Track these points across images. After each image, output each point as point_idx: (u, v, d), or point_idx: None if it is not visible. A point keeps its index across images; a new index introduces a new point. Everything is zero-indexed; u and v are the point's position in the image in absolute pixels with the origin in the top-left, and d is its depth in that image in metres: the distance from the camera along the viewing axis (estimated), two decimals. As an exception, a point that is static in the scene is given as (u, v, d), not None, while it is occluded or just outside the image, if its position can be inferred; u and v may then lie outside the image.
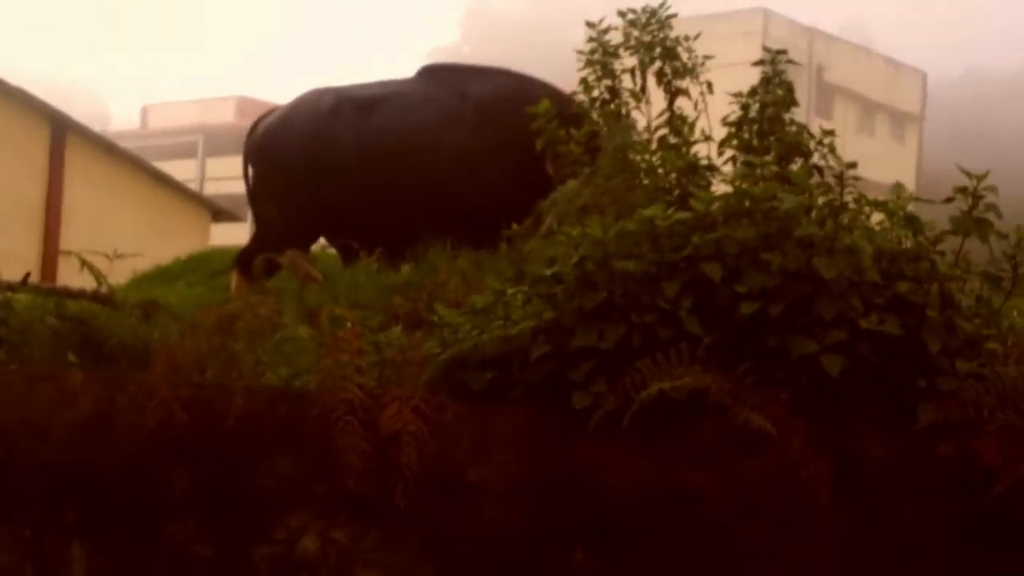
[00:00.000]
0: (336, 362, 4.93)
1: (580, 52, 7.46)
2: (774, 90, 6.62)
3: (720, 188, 5.95)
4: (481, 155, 8.24)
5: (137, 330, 5.97)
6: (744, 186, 4.91)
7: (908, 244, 4.73)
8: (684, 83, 7.19)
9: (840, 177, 4.89)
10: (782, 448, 4.24)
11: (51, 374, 5.59)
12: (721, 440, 4.41)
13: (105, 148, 23.02)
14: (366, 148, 8.40)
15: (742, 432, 4.27)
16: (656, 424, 4.41)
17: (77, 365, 5.72)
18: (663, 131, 6.97)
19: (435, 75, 8.79)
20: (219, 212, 25.02)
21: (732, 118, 6.61)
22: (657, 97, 7.25)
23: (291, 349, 5.44)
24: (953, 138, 49.39)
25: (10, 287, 6.51)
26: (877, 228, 4.87)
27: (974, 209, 4.58)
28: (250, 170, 9.11)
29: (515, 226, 6.67)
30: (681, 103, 7.18)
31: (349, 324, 5.27)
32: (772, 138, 6.44)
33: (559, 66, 9.32)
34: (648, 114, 7.19)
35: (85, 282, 6.50)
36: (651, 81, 7.32)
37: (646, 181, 6.38)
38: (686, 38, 7.25)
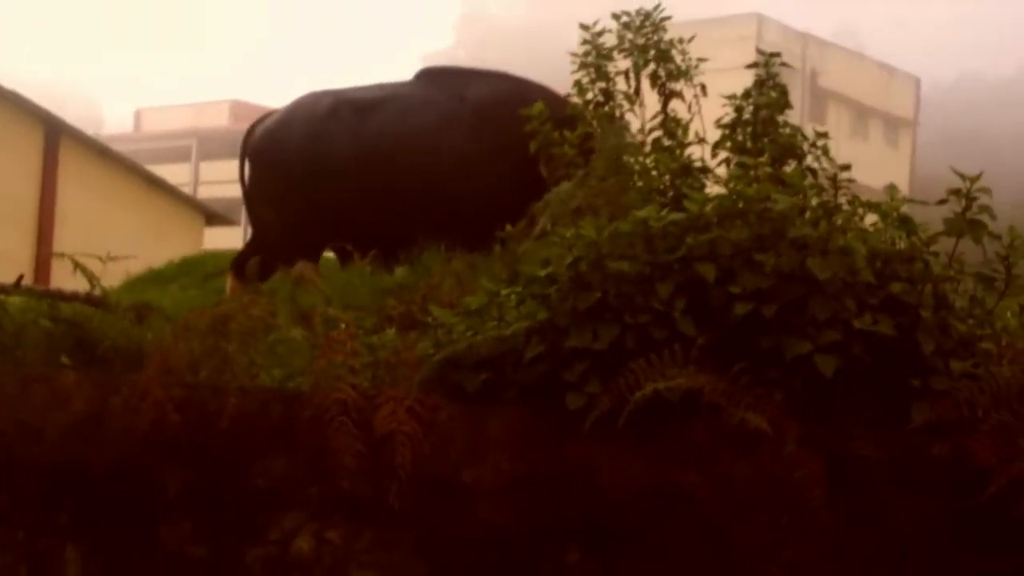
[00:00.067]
0: (330, 363, 4.93)
1: (574, 55, 7.47)
2: (768, 92, 6.64)
3: (714, 190, 5.96)
4: (479, 158, 8.23)
5: (130, 333, 5.95)
6: (738, 187, 4.92)
7: (902, 245, 4.74)
8: (678, 86, 7.21)
9: (834, 179, 4.90)
10: (776, 448, 4.25)
11: (44, 376, 5.57)
12: (715, 441, 4.41)
13: (99, 151, 23.01)
14: (364, 151, 8.38)
15: (736, 432, 4.28)
16: (650, 425, 4.41)
17: (70, 367, 5.71)
18: (657, 133, 6.98)
19: (433, 78, 8.79)
20: (213, 216, 25.01)
21: (726, 120, 6.62)
22: (651, 100, 7.26)
23: (285, 350, 5.43)
24: (946, 143, 49.39)
25: (3, 290, 6.48)
26: (871, 230, 4.88)
27: (967, 210, 4.59)
28: (247, 173, 9.09)
29: (509, 228, 6.67)
30: (675, 105, 7.19)
31: (343, 325, 5.27)
32: (766, 140, 6.46)
33: (554, 71, 9.31)
34: (642, 116, 7.20)
35: (78, 285, 6.48)
36: (645, 84, 7.33)
37: (640, 183, 6.40)
38: (680, 41, 7.26)
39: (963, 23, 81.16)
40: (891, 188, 4.92)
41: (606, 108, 7.29)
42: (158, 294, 8.87)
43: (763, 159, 6.14)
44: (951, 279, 4.68)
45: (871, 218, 4.91)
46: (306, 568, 4.86)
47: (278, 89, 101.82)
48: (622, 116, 7.27)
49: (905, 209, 4.82)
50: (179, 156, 55.81)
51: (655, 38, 7.26)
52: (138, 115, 64.82)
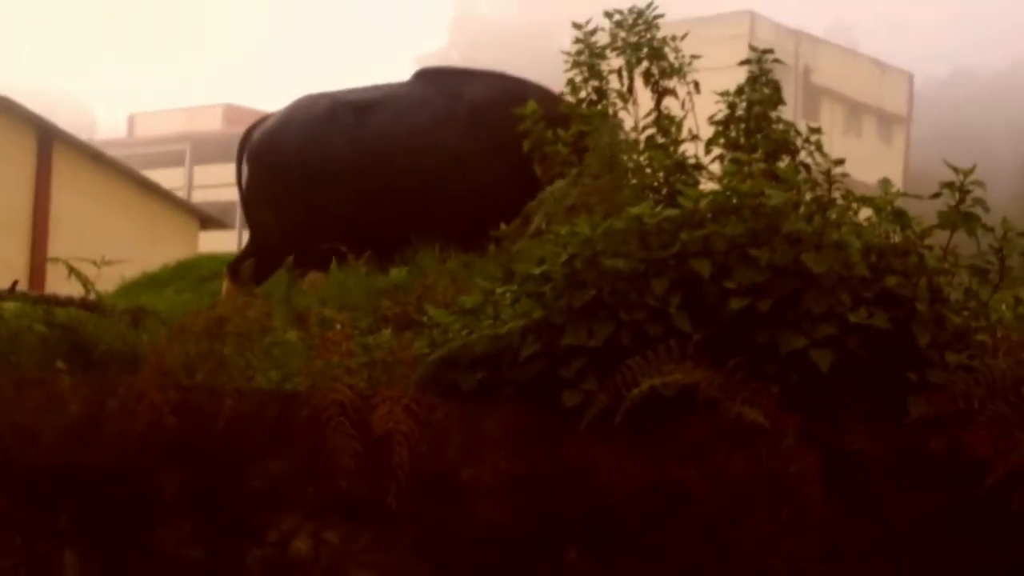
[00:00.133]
0: (326, 364, 4.92)
1: (567, 53, 7.47)
2: (760, 89, 6.64)
3: (708, 186, 5.96)
4: (476, 158, 8.23)
5: (126, 337, 5.95)
6: (732, 183, 4.92)
7: (896, 239, 4.75)
8: (671, 83, 7.21)
9: (828, 173, 4.90)
10: (773, 443, 4.25)
11: (40, 379, 5.58)
12: (712, 436, 4.41)
13: (92, 157, 23.00)
14: (363, 152, 8.38)
15: (732, 428, 4.28)
16: (647, 421, 4.41)
17: (66, 372, 5.71)
18: (651, 131, 6.98)
19: (431, 78, 8.79)
20: (207, 219, 25.00)
21: (719, 117, 6.63)
22: (644, 98, 7.26)
23: (281, 352, 5.42)
24: (940, 139, 49.50)
25: (-2, 295, 6.49)
26: (865, 224, 4.88)
27: (961, 203, 4.60)
28: (244, 176, 9.07)
29: (504, 226, 6.67)
30: (668, 103, 7.19)
31: (338, 326, 5.27)
32: (759, 136, 6.46)
33: (547, 71, 9.32)
34: (635, 114, 7.20)
35: (73, 290, 6.48)
36: (638, 82, 7.33)
37: (634, 180, 6.40)
38: (673, 38, 7.27)
39: (956, 19, 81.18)
40: (885, 182, 4.92)
41: (599, 106, 7.29)
42: (153, 298, 8.86)
43: (757, 155, 6.15)
44: (946, 272, 4.68)
45: (865, 214, 4.91)
46: (304, 569, 4.86)
47: (271, 92, 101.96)
48: (615, 114, 7.27)
49: (899, 204, 4.83)
50: (173, 160, 55.78)
51: (648, 36, 7.26)
52: (131, 120, 64.78)
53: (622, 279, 4.65)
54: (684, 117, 7.01)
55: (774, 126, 6.49)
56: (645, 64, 7.25)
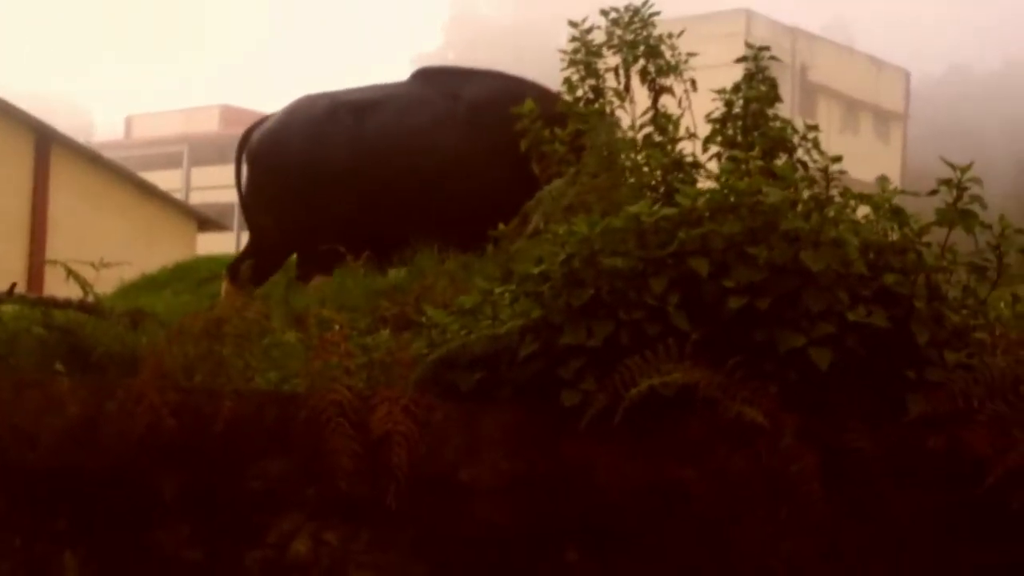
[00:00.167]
0: (325, 365, 4.92)
1: (563, 52, 7.47)
2: (757, 86, 6.64)
3: (705, 184, 5.96)
4: (475, 157, 8.22)
5: (124, 338, 5.94)
6: (729, 181, 4.91)
7: (894, 236, 4.74)
8: (668, 81, 7.20)
9: (825, 171, 4.90)
10: (772, 442, 4.24)
11: (38, 381, 5.57)
12: (711, 436, 4.41)
13: (90, 159, 23.01)
14: (362, 152, 8.38)
15: (731, 427, 4.28)
16: (646, 421, 4.41)
17: (64, 374, 5.70)
18: (648, 129, 6.98)
19: (429, 78, 8.79)
20: (205, 221, 25.00)
21: (716, 115, 6.62)
22: (641, 96, 7.26)
23: (279, 353, 5.42)
24: (936, 136, 49.47)
25: (-4, 298, 6.49)
26: (863, 222, 4.87)
27: (959, 200, 4.60)
28: (243, 177, 9.06)
29: (502, 226, 6.67)
30: (665, 101, 7.19)
31: (337, 327, 5.26)
32: (756, 134, 6.45)
33: (544, 71, 9.31)
34: (632, 113, 7.20)
35: (71, 292, 6.47)
36: (635, 80, 7.33)
37: (631, 179, 6.39)
38: (669, 36, 7.26)
39: (952, 17, 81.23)
40: (883, 180, 4.92)
41: (596, 105, 7.29)
42: (151, 300, 8.85)
43: (754, 153, 6.15)
44: (944, 269, 4.68)
45: (862, 212, 4.90)
46: (304, 570, 4.85)
47: (270, 93, 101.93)
48: (612, 112, 7.27)
49: (896, 201, 4.82)
50: (170, 162, 55.80)
51: (644, 34, 7.26)
52: (129, 122, 64.77)
53: (620, 278, 4.64)
54: (681, 115, 7.00)
55: (771, 124, 6.48)
56: (642, 62, 7.25)
